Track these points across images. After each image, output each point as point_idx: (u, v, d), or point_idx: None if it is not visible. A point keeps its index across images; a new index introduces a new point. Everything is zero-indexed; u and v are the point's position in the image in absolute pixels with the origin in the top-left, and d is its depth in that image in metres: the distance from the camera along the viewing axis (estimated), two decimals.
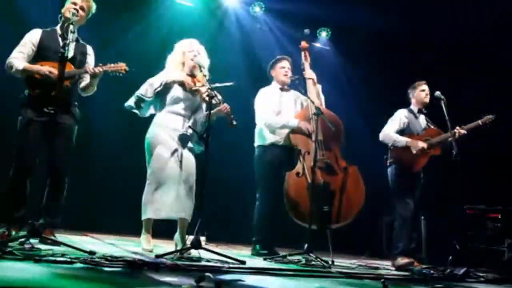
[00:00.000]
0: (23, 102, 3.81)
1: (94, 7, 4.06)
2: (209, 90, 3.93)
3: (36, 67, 3.77)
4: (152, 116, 4.24)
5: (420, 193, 5.00)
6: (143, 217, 3.98)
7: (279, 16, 7.39)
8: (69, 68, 3.77)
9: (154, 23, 6.62)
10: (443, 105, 4.81)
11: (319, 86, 4.99)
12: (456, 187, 4.85)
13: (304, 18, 7.03)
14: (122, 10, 6.36)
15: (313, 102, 4.63)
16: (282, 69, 4.99)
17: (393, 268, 4.73)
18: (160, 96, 4.17)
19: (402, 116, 5.14)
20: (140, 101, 4.13)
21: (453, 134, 4.77)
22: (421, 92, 5.17)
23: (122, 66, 3.92)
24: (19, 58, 3.79)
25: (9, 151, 3.85)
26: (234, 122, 4.04)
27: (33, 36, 3.89)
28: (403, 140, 4.96)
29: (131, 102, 4.14)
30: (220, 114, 4.10)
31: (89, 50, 4.12)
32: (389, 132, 5.04)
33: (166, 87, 4.13)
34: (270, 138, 4.83)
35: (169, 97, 4.14)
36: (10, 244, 2.91)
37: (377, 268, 4.55)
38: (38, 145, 3.78)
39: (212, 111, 3.93)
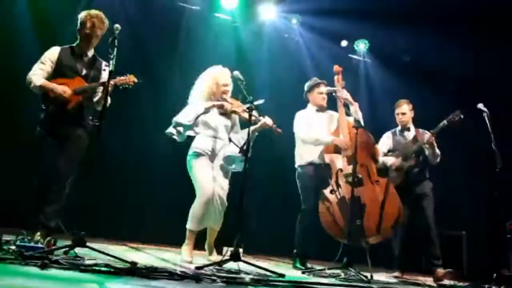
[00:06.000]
0: (40, 116, 3.92)
1: (106, 25, 3.99)
2: (246, 109, 4.05)
3: (52, 85, 3.86)
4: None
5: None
6: (189, 226, 4.11)
7: (316, 29, 7.37)
8: (81, 83, 3.89)
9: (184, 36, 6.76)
10: (486, 118, 4.67)
11: (356, 104, 4.96)
12: (500, 204, 4.69)
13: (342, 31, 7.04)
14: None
15: (348, 116, 4.77)
16: (320, 95, 5.06)
17: (434, 285, 4.61)
18: (197, 120, 4.29)
19: (385, 140, 5.36)
20: (178, 126, 4.23)
21: (427, 141, 4.88)
22: (397, 115, 5.32)
23: (131, 78, 3.95)
24: (38, 75, 3.89)
25: (32, 162, 3.98)
26: (279, 130, 4.17)
27: (52, 54, 3.97)
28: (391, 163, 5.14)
29: (171, 129, 4.27)
30: (263, 128, 4.22)
31: (104, 65, 4.12)
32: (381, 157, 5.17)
33: (205, 112, 4.26)
34: (307, 158, 4.94)
35: (205, 121, 4.27)
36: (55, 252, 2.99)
37: (418, 284, 4.45)
38: (54, 157, 3.87)
39: (255, 127, 4.07)
